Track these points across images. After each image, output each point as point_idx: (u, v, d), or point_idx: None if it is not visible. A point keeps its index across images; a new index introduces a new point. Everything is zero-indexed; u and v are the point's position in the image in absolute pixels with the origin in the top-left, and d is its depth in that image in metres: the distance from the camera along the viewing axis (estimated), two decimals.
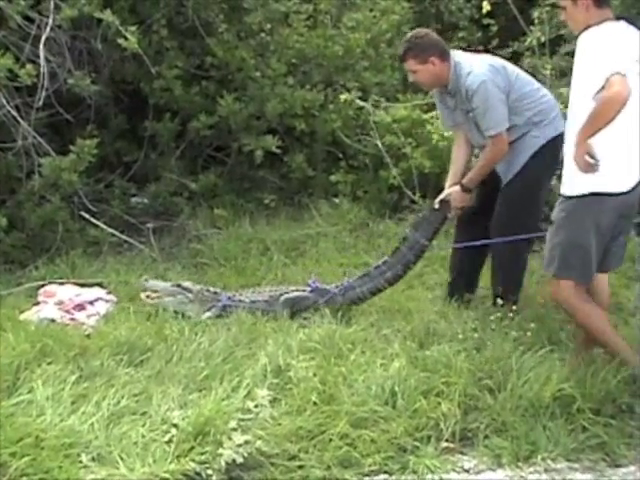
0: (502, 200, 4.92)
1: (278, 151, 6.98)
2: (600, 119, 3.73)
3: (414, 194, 6.79)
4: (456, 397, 3.80)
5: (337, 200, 6.97)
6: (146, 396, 3.78)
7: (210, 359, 4.14)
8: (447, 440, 3.69)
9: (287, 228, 6.61)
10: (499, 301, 4.64)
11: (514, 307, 4.59)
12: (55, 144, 6.30)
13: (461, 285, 5.10)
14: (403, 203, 6.95)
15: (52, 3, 6.11)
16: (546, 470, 3.56)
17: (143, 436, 3.44)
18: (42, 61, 5.98)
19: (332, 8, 8.01)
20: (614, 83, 3.68)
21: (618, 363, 3.98)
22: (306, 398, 3.77)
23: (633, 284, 5.33)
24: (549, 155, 4.87)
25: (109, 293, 5.27)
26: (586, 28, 3.93)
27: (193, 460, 3.32)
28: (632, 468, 3.61)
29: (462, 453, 3.69)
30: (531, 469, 3.57)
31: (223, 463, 3.33)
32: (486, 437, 3.73)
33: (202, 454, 3.36)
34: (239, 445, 3.38)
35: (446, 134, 6.45)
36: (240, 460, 3.35)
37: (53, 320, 4.80)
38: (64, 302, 5.00)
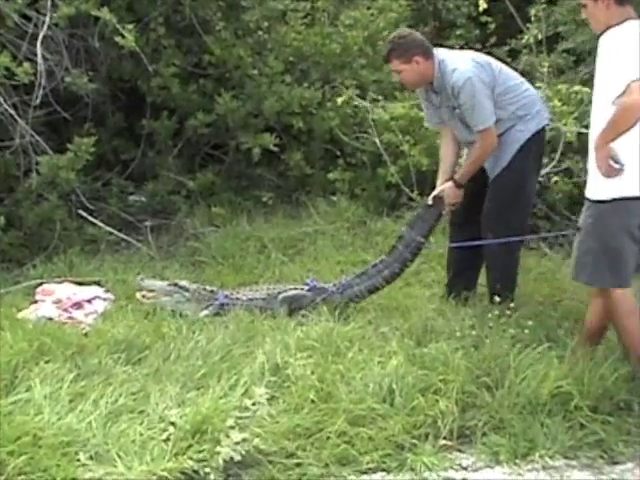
0: (491, 195, 4.93)
1: (276, 149, 6.98)
2: (619, 125, 3.72)
3: (412, 192, 6.79)
4: (454, 395, 3.81)
5: (335, 198, 6.97)
6: (144, 394, 3.78)
7: (208, 357, 4.14)
8: (445, 438, 3.69)
9: (285, 226, 6.60)
10: (496, 299, 4.66)
11: (512, 305, 4.58)
12: (52, 142, 6.30)
13: (459, 284, 5.09)
14: (401, 201, 6.95)
15: (49, 1, 6.10)
16: (544, 467, 3.56)
17: (141, 434, 3.44)
18: (39, 59, 5.97)
19: (330, 6, 8.02)
20: (635, 90, 3.66)
21: (616, 360, 3.99)
22: (304, 396, 3.77)
23: None
24: (535, 149, 4.92)
25: (107, 291, 5.26)
26: (607, 28, 3.91)
27: (191, 458, 3.32)
28: (630, 465, 3.61)
29: (460, 450, 3.69)
30: (529, 466, 3.57)
31: (221, 461, 3.33)
32: (484, 434, 3.74)
33: (200, 452, 3.36)
34: (237, 443, 3.38)
35: None
36: (238, 458, 3.36)
37: (51, 318, 4.80)
38: (62, 300, 5.00)
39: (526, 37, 7.56)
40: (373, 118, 7.06)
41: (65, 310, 4.92)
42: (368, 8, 8.12)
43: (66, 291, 5.12)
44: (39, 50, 5.99)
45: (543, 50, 7.43)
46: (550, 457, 3.60)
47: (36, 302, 5.04)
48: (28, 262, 5.87)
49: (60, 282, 5.33)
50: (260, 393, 3.70)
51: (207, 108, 6.96)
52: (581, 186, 6.41)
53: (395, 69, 4.95)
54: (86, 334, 4.53)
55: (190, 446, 3.38)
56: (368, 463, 3.51)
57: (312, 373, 3.93)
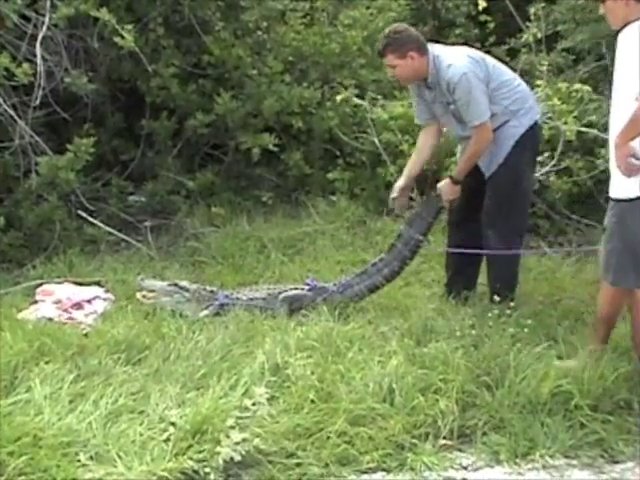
0: (490, 193, 4.94)
1: (275, 149, 6.98)
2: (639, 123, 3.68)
3: (411, 191, 6.78)
4: (454, 394, 3.81)
5: (334, 198, 6.97)
6: (144, 394, 3.78)
7: (208, 357, 4.14)
8: (445, 437, 3.68)
9: (284, 226, 6.60)
10: (496, 298, 4.66)
11: (512, 304, 4.59)
12: (52, 143, 6.30)
13: (459, 283, 5.10)
14: None
15: (48, 2, 6.10)
16: (544, 467, 3.56)
17: (141, 434, 3.44)
18: (39, 60, 5.97)
19: (329, 6, 8.04)
20: None
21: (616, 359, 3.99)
22: (304, 396, 3.77)
23: None
24: (529, 144, 4.93)
25: (107, 292, 5.26)
26: (626, 24, 3.87)
27: (191, 458, 3.32)
28: (630, 464, 3.61)
29: (460, 450, 3.68)
30: (529, 466, 3.57)
31: (221, 461, 3.33)
32: (484, 434, 3.73)
33: (200, 452, 3.36)
34: (237, 443, 3.38)
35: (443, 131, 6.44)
36: (238, 458, 3.35)
37: (51, 319, 4.79)
38: (62, 301, 4.99)
39: (525, 36, 7.58)
40: (372, 118, 7.06)
41: (65, 310, 4.92)
42: (367, 8, 8.13)
43: (66, 291, 5.12)
44: (38, 51, 5.99)
45: (542, 49, 7.43)
46: (550, 456, 3.60)
47: (36, 302, 5.04)
48: (28, 263, 5.87)
49: (60, 282, 5.33)
50: (260, 393, 3.69)
51: (206, 108, 6.95)
52: (580, 185, 6.45)
53: (389, 64, 4.96)
54: (86, 334, 4.53)
55: (190, 446, 3.38)
56: (368, 463, 3.50)
57: (312, 373, 3.93)
